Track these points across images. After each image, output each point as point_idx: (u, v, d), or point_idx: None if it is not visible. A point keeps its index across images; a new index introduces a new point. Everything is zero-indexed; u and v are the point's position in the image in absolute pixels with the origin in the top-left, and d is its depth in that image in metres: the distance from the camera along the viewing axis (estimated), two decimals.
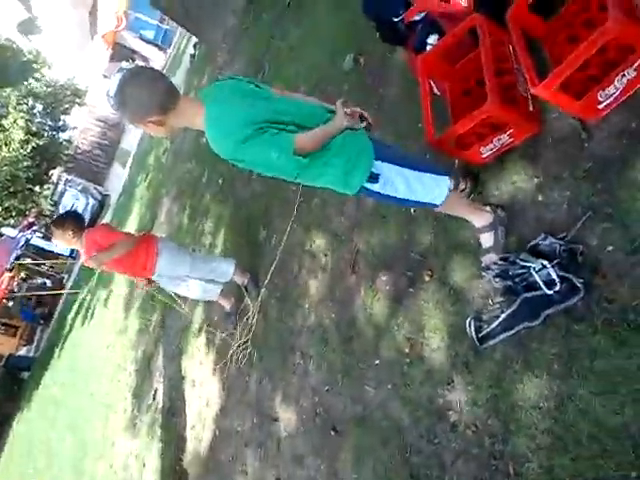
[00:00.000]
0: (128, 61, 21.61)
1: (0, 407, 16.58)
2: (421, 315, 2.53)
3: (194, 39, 12.28)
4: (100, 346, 9.00)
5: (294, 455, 3.17)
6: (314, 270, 3.69)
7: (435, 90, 2.98)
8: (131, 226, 10.92)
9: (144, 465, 5.36)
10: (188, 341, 5.40)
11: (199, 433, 4.52)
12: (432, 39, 3.03)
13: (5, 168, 23.29)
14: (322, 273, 3.59)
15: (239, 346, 4.31)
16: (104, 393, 7.80)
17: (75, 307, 13.20)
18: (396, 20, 3.36)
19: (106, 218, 16.57)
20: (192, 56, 12.17)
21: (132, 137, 19.91)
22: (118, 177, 18.96)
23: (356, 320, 3.00)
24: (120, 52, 22.19)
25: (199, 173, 7.58)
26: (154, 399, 5.84)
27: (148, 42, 21.32)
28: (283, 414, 3.42)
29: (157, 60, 20.82)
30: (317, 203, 4.01)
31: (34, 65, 26.15)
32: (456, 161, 2.74)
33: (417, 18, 3.22)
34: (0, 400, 16.60)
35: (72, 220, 4.32)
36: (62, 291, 17.66)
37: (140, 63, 20.66)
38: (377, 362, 2.72)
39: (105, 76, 23.20)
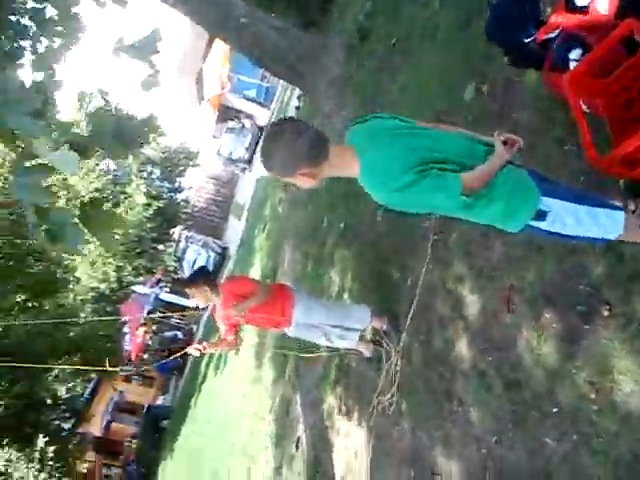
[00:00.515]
0: (233, 120, 22.78)
1: (144, 455, 17.41)
2: (606, 356, 2.27)
3: (297, 92, 12.67)
4: (235, 395, 9.18)
5: None
6: (461, 310, 3.51)
7: (584, 108, 2.77)
8: (254, 277, 11.22)
9: None
10: (327, 389, 5.32)
11: None
12: (575, 54, 2.83)
13: (132, 231, 25.05)
14: (471, 313, 3.39)
15: (384, 393, 4.17)
16: (244, 443, 7.89)
17: (206, 357, 13.63)
18: (527, 41, 3.20)
19: (227, 269, 17.20)
20: (297, 108, 12.53)
21: (245, 191, 20.73)
22: (235, 230, 19.73)
23: (521, 363, 2.78)
24: (225, 113, 23.38)
25: (318, 219, 7.65)
26: (297, 449, 5.79)
27: (251, 101, 22.32)
28: (445, 467, 3.22)
29: (261, 116, 21.72)
30: (455, 239, 3.85)
31: (148, 132, 28.25)
32: (621, 182, 2.50)
33: (552, 35, 3.05)
34: (144, 449, 17.44)
35: (203, 277, 4.48)
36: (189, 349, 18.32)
37: (246, 122, 21.69)
38: (555, 410, 2.47)
39: (214, 137, 24.55)
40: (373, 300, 4.72)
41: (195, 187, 28.04)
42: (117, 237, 23.53)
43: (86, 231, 2.40)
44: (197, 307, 21.35)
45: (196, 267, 19.04)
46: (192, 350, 4.32)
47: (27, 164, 2.26)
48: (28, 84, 2.52)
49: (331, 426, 5.04)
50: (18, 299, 18.25)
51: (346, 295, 5.60)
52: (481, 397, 3.05)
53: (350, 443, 4.60)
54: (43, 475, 13.95)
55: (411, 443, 3.69)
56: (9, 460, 13.72)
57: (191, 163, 30.22)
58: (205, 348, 4.35)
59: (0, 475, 13.50)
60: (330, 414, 5.07)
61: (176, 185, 31.69)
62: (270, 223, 11.93)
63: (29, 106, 2.05)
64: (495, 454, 2.81)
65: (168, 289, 22.05)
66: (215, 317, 4.54)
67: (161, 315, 21.44)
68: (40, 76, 2.58)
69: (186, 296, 21.96)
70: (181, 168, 31.10)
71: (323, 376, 5.50)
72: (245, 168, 21.87)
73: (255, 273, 11.30)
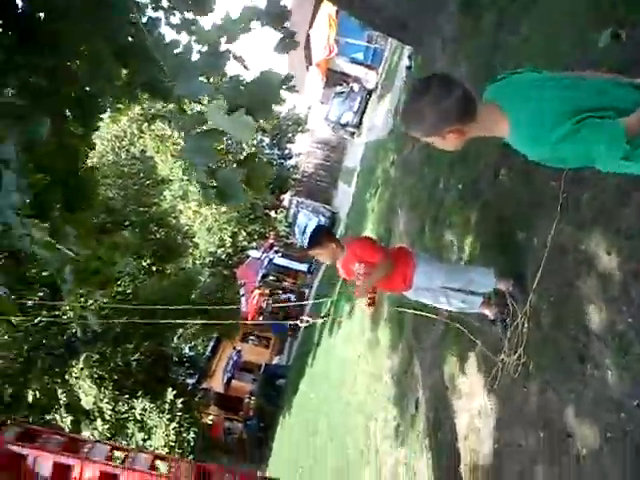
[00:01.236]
0: (341, 84, 22.70)
1: (263, 411, 18.38)
2: None
3: (407, 51, 12.38)
4: (351, 356, 9.41)
5: (601, 475, 2.89)
6: (595, 271, 3.36)
7: None
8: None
9: (415, 474, 5.40)
10: (448, 350, 5.32)
11: (474, 445, 4.40)
12: None
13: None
14: (607, 274, 3.25)
15: (509, 355, 4.11)
16: (360, 402, 8.10)
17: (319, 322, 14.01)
18: None
19: (338, 234, 17.45)
20: (408, 67, 12.27)
21: (354, 156, 20.76)
22: (344, 195, 19.90)
23: None
24: (333, 77, 23.35)
25: (433, 180, 7.54)
26: (416, 409, 5.87)
27: (359, 64, 22.12)
28: (578, 430, 3.15)
29: (370, 79, 21.49)
30: (587, 197, 3.66)
31: (284, 92, 28.96)
32: None
33: None
34: (263, 405, 18.39)
35: (325, 234, 4.54)
36: (307, 302, 18.82)
37: (354, 85, 21.54)
38: None
39: (322, 102, 24.65)
40: (497, 262, 4.61)
41: (304, 153, 28.45)
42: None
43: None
44: (308, 271, 21.97)
45: (308, 232, 19.48)
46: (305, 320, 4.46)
47: (198, 129, 2.42)
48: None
49: (452, 387, 5.05)
50: (144, 263, 19.66)
51: (467, 257, 5.52)
52: (620, 360, 2.93)
53: (473, 404, 4.60)
54: (173, 424, 15.09)
55: (540, 405, 3.63)
56: (144, 409, 14.97)
57: (300, 129, 30.64)
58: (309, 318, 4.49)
59: (137, 422, 14.79)
60: (451, 375, 5.08)
61: (285, 152, 32.33)
62: (382, 187, 11.92)
63: (197, 73, 2.18)
64: (637, 418, 2.71)
65: (281, 254, 22.76)
66: (340, 270, 4.57)
67: (275, 279, 22.32)
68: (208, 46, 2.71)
69: (299, 260, 22.62)
70: (290, 135, 31.62)
71: (443, 337, 5.50)
72: (354, 132, 21.85)
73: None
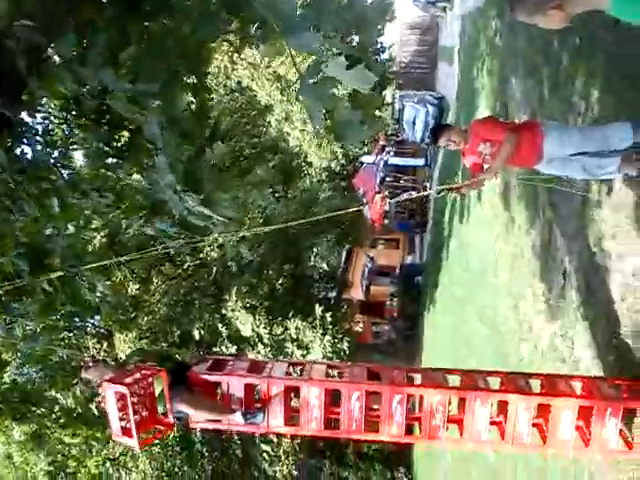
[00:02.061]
0: None
1: (407, 310, 18.95)
2: None
3: None
4: (487, 240, 9.34)
5: None
6: None
7: None
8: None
9: (573, 343, 5.42)
10: (591, 215, 5.13)
11: (632, 305, 4.32)
12: None
13: (347, 103, 25.60)
14: None
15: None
16: (505, 283, 8.11)
17: (448, 209, 13.91)
18: None
19: (450, 118, 16.85)
20: None
21: (451, 32, 19.55)
22: (448, 76, 18.96)
23: None
24: None
25: (547, 40, 7.00)
26: (565, 280, 5.80)
27: None
28: None
29: None
30: None
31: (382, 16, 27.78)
32: None
33: None
34: (405, 304, 18.93)
35: (443, 126, 4.50)
36: (427, 192, 18.55)
37: None
38: None
39: None
40: (631, 112, 4.31)
41: (396, 43, 27.17)
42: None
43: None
44: (426, 165, 21.59)
45: (418, 124, 19.00)
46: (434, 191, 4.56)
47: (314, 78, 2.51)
48: None
49: (601, 251, 4.92)
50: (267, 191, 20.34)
51: (597, 116, 5.18)
52: None
53: (625, 265, 4.48)
54: (327, 337, 16.00)
55: None
56: (297, 328, 15.98)
57: (387, 18, 29.14)
58: (460, 188, 4.55)
59: (294, 341, 15.87)
60: (598, 239, 4.93)
61: (377, 46, 31.04)
62: (489, 59, 11.23)
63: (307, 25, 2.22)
64: None
65: (394, 153, 22.46)
66: (465, 158, 4.54)
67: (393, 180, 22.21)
68: None
69: (413, 156, 22.26)
70: (378, 27, 30.14)
71: (583, 202, 5.29)
72: (445, 7, 20.47)
73: (483, 115, 10.93)
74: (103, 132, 4.13)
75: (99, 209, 5.50)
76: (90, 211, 5.19)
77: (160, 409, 4.32)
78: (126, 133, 4.47)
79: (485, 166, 4.37)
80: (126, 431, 4.16)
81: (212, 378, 4.43)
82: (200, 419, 4.42)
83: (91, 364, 4.41)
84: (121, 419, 4.11)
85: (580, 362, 5.13)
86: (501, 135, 4.12)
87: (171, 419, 4.27)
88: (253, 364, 4.64)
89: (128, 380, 4.06)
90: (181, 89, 3.85)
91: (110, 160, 4.65)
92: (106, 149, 4.55)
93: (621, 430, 4.05)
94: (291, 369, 4.66)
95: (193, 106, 4.38)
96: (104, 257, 5.63)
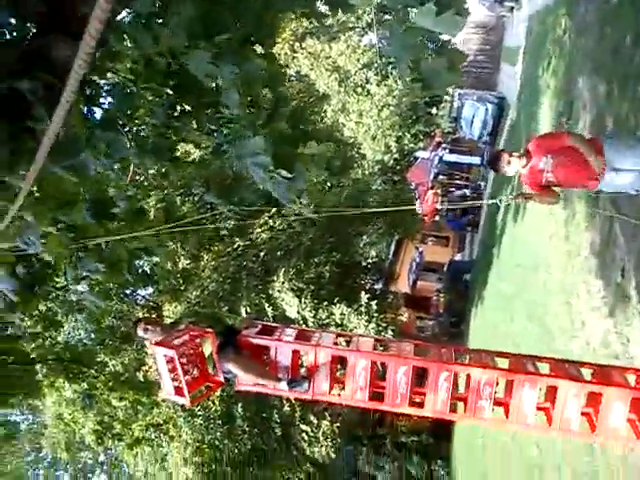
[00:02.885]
0: None
1: (453, 306, 18.78)
2: None
3: None
4: (542, 238, 9.19)
5: None
6: None
7: None
8: (544, 121, 10.65)
9: (628, 340, 5.32)
10: None
11: None
12: None
13: (404, 99, 25.49)
14: None
15: None
16: (559, 281, 7.98)
17: (502, 207, 13.70)
18: None
19: (510, 119, 16.59)
20: None
21: (516, 32, 19.20)
22: (510, 77, 18.64)
23: None
24: None
25: (619, 38, 6.84)
26: (623, 277, 5.69)
27: None
28: None
29: None
30: None
31: None
32: None
33: None
34: (453, 300, 18.77)
35: (501, 151, 4.44)
36: (481, 202, 18.44)
37: None
38: None
39: None
40: None
41: (460, 40, 26.82)
42: None
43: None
44: (481, 164, 21.29)
45: (476, 122, 18.73)
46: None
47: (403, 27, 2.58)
48: None
49: None
50: (317, 180, 20.47)
51: None
52: None
53: None
54: (372, 325, 16.04)
55: None
56: (342, 314, 16.08)
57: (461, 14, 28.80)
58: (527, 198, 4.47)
59: (339, 326, 15.98)
60: None
61: (439, 43, 30.69)
62: (556, 58, 11.02)
63: None
64: None
65: (449, 150, 22.23)
66: (526, 182, 4.40)
67: (448, 177, 21.99)
68: None
69: (470, 154, 21.98)
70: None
71: None
72: (512, 7, 20.09)
73: (545, 115, 10.73)
74: (169, 96, 4.26)
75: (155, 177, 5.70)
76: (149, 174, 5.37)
77: (210, 369, 4.48)
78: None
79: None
80: (178, 390, 4.34)
81: (261, 342, 4.54)
82: (247, 382, 4.54)
83: (146, 324, 4.58)
84: (173, 379, 4.28)
85: (635, 359, 5.03)
86: (563, 137, 4.05)
87: (220, 377, 4.42)
88: (301, 332, 4.74)
89: (177, 342, 4.21)
90: (253, 55, 3.95)
91: (174, 123, 4.75)
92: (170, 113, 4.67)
93: None
94: (339, 340, 4.74)
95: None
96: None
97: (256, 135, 3.76)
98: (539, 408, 4.25)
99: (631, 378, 4.21)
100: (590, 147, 3.98)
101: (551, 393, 4.19)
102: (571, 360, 4.67)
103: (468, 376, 4.27)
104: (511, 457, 9.21)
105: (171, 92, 4.47)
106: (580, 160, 4.00)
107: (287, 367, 4.52)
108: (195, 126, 4.66)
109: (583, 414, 4.17)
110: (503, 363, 4.48)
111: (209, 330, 4.43)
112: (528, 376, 4.14)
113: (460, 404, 4.45)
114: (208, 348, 4.40)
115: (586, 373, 4.32)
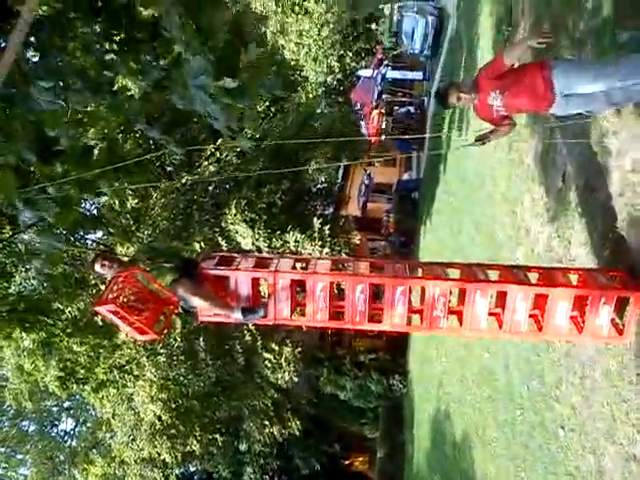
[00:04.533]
0: None
1: (403, 226, 19.14)
2: None
3: None
4: (486, 151, 9.31)
5: None
6: None
7: None
8: (485, 30, 10.58)
9: (569, 242, 5.57)
10: (592, 118, 5.14)
11: (630, 199, 4.42)
12: None
13: (344, 15, 24.81)
14: None
15: None
16: (503, 191, 8.19)
17: (446, 123, 13.80)
18: None
19: (450, 29, 16.40)
20: None
21: None
22: None
23: None
24: None
25: None
26: (564, 182, 5.88)
27: None
28: None
29: None
30: None
31: None
32: None
33: None
34: (402, 220, 19.10)
35: (451, 84, 4.29)
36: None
37: None
38: None
39: None
40: None
41: None
42: None
43: None
44: (424, 78, 21.15)
45: (417, 35, 18.44)
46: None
47: None
48: None
49: (601, 150, 4.97)
50: (259, 108, 20.02)
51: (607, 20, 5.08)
52: None
53: (624, 160, 4.54)
54: (326, 249, 16.24)
55: None
56: (296, 241, 16.19)
57: None
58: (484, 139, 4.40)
59: (294, 254, 16.13)
60: (600, 137, 4.97)
61: None
62: None
63: None
64: None
65: (392, 66, 21.95)
66: (479, 114, 4.34)
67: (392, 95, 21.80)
68: None
69: (412, 69, 21.73)
70: None
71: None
72: None
73: (486, 24, 10.65)
74: (103, 24, 4.04)
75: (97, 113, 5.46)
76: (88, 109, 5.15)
77: (160, 295, 4.47)
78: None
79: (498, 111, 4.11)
80: (141, 331, 4.36)
81: (220, 273, 4.57)
82: (206, 312, 4.59)
83: (103, 260, 4.53)
84: (130, 325, 4.30)
85: (576, 260, 5.29)
86: (500, 61, 3.92)
87: (174, 297, 4.45)
88: (260, 260, 4.77)
89: (111, 296, 4.19)
90: None
91: (109, 57, 4.54)
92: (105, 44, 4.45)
93: (613, 318, 4.26)
94: (297, 265, 4.80)
95: None
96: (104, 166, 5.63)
97: (196, 55, 3.61)
98: (490, 314, 4.47)
99: (573, 278, 4.45)
100: (523, 42, 3.94)
101: (501, 299, 4.41)
102: (518, 265, 4.88)
103: (422, 289, 4.43)
104: (464, 363, 9.73)
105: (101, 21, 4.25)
106: (528, 88, 3.91)
107: (247, 296, 4.58)
108: (133, 59, 4.45)
109: (531, 316, 4.42)
110: (455, 274, 4.65)
111: (134, 267, 4.48)
112: (479, 284, 4.32)
113: (416, 317, 4.63)
114: (145, 280, 4.41)
115: (532, 277, 4.54)
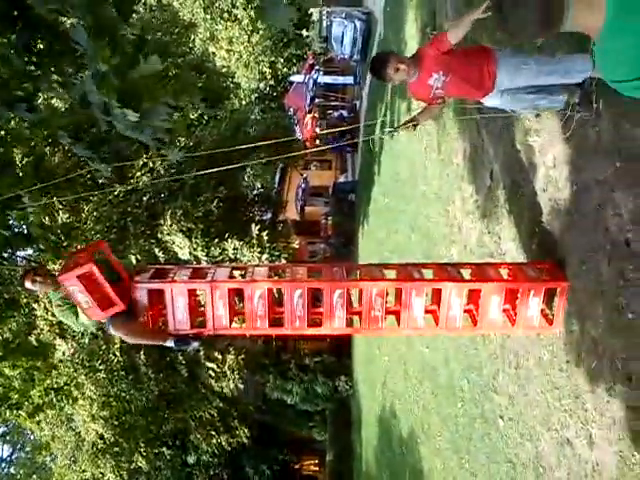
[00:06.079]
0: None
1: (342, 225, 19.33)
2: None
3: None
4: (418, 151, 9.57)
5: None
6: None
7: None
8: (411, 35, 10.84)
9: (499, 238, 5.77)
10: (515, 118, 5.35)
11: (553, 194, 4.62)
12: None
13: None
14: None
15: (579, 103, 4.08)
16: (436, 190, 8.41)
17: (378, 126, 14.03)
18: None
19: (378, 34, 16.69)
20: None
21: None
22: None
23: None
24: None
25: None
26: (492, 180, 6.09)
27: None
28: None
29: None
30: None
31: None
32: None
33: None
34: (340, 222, 19.29)
35: (390, 55, 4.01)
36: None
37: None
38: None
39: None
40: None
41: None
42: None
43: None
44: (355, 83, 21.45)
45: (346, 40, 18.70)
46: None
47: None
48: None
49: (524, 148, 5.18)
50: (192, 116, 19.74)
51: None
52: None
53: (547, 158, 4.75)
54: (265, 256, 16.16)
55: (613, 137, 3.73)
56: (235, 248, 16.03)
57: None
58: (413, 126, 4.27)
59: (232, 261, 15.96)
60: (524, 135, 5.17)
61: None
62: None
63: None
64: None
65: (323, 71, 22.18)
66: (413, 93, 4.19)
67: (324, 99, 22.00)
68: None
69: (343, 74, 22.00)
70: None
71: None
72: None
73: (411, 29, 10.91)
74: (19, 35, 3.89)
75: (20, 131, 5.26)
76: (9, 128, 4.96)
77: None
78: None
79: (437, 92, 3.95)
80: (107, 302, 4.20)
81: (154, 286, 4.47)
82: (137, 342, 4.53)
83: (35, 275, 4.38)
84: (94, 295, 4.13)
85: (506, 254, 5.49)
86: (445, 40, 3.75)
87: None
88: (196, 270, 4.71)
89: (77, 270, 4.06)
90: None
91: (29, 68, 4.39)
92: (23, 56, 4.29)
93: (543, 309, 4.44)
94: (234, 273, 4.77)
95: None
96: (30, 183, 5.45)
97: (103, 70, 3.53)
98: (427, 311, 4.57)
99: (504, 272, 4.61)
100: (466, 19, 3.70)
101: (436, 296, 4.51)
102: (452, 263, 5.01)
103: (360, 291, 4.48)
104: (406, 361, 9.91)
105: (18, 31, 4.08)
106: (476, 76, 3.84)
107: (184, 309, 4.49)
108: (55, 72, 4.32)
109: (465, 311, 4.55)
110: (391, 274, 4.73)
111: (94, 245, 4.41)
112: (414, 283, 4.41)
113: (356, 318, 4.69)
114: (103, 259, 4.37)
115: (466, 273, 4.67)
